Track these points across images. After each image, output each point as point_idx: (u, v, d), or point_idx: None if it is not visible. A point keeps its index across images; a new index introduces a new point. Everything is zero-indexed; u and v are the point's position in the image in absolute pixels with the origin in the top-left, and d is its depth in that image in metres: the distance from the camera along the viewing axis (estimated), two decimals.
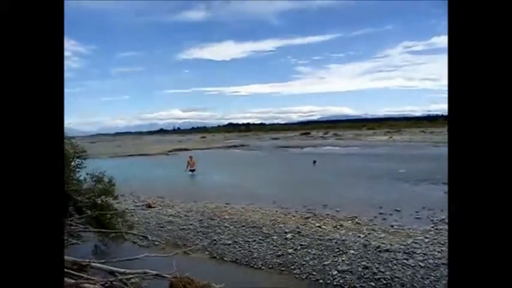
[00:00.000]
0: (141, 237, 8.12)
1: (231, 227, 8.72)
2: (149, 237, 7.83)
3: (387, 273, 5.85)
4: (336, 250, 6.87)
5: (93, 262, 5.60)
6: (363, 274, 5.91)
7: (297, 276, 6.15)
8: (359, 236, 7.52)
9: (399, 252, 6.54)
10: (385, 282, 5.64)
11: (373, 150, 33.38)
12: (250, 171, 20.91)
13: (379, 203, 10.72)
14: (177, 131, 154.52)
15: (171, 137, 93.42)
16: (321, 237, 7.57)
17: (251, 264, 6.73)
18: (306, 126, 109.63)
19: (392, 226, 8.34)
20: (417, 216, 9.30)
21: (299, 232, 8.01)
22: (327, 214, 9.66)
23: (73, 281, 4.79)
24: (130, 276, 5.23)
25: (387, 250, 6.64)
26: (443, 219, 8.76)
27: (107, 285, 4.94)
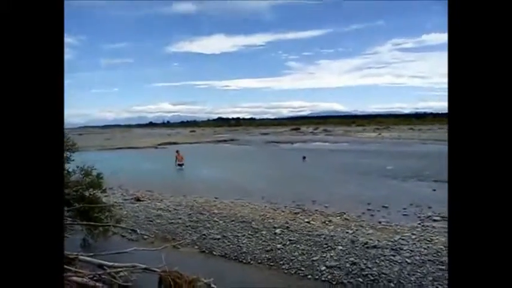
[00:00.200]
0: (129, 231, 8.07)
1: (220, 222, 8.72)
2: (138, 230, 7.78)
3: (374, 269, 5.92)
4: (325, 246, 6.92)
5: (81, 255, 5.55)
6: (350, 270, 5.97)
7: (286, 271, 6.19)
8: (347, 232, 7.59)
9: (386, 248, 6.62)
10: (372, 278, 5.70)
11: (362, 146, 33.62)
12: (239, 166, 20.91)
13: (368, 199, 10.83)
14: (166, 124, 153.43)
15: (160, 131, 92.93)
16: (310, 233, 7.62)
17: (240, 259, 6.75)
18: (296, 122, 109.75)
19: (380, 222, 8.43)
20: (405, 213, 9.42)
21: (288, 227, 8.05)
22: (316, 210, 9.73)
23: None
24: (119, 269, 5.20)
25: (375, 246, 6.71)
26: (430, 216, 8.90)
27: (95, 278, 4.91)
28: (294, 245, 7.08)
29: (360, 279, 5.71)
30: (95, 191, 7.50)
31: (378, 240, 6.99)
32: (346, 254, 6.52)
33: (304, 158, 22.63)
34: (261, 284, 5.89)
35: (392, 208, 9.90)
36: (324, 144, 38.30)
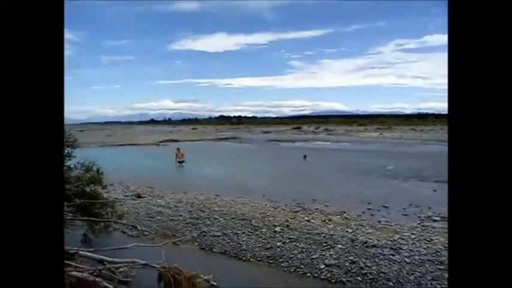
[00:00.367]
0: (130, 227, 8.09)
1: (221, 219, 8.74)
2: (138, 227, 7.80)
3: (373, 268, 5.93)
4: (324, 244, 6.94)
5: (82, 250, 5.58)
6: (350, 269, 5.98)
7: (285, 269, 6.20)
8: (347, 231, 7.60)
9: (386, 247, 6.63)
10: (371, 277, 5.72)
11: (363, 146, 33.59)
12: (241, 164, 20.93)
13: (368, 199, 10.85)
14: (168, 121, 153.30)
15: (161, 128, 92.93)
16: (310, 231, 7.64)
17: (240, 256, 6.77)
18: (297, 121, 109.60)
19: (379, 222, 8.44)
20: (404, 213, 9.43)
21: (288, 226, 8.07)
22: (316, 208, 9.74)
23: None
24: (119, 265, 5.23)
25: (374, 245, 6.73)
26: (429, 216, 8.90)
27: (95, 273, 4.93)
28: (293, 243, 7.10)
29: (359, 278, 5.72)
30: (95, 187, 7.52)
31: (378, 240, 7.00)
32: (346, 252, 6.54)
33: (305, 157, 22.62)
34: (260, 281, 5.92)
35: (393, 208, 9.90)
36: (325, 144, 38.25)
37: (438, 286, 5.33)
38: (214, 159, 23.90)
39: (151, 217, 9.19)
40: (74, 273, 4.78)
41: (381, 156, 23.50)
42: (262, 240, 7.32)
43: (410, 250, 6.49)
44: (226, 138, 47.70)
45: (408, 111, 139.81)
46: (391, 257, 6.26)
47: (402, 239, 7.06)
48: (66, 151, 7.30)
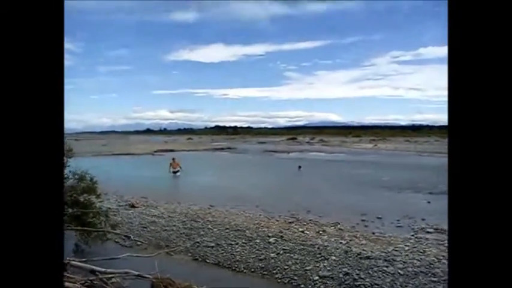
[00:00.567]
0: (123, 237, 8.04)
1: (215, 230, 8.71)
2: (132, 237, 7.76)
3: (367, 279, 5.93)
4: (318, 256, 6.93)
5: (74, 261, 5.53)
6: (343, 280, 5.97)
7: (279, 280, 6.18)
8: (341, 243, 7.60)
9: (380, 259, 6.63)
10: None
11: (358, 157, 33.72)
12: (236, 175, 20.91)
13: (362, 210, 10.86)
14: (163, 131, 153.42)
15: (157, 137, 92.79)
16: (304, 243, 7.63)
17: (233, 267, 6.73)
18: (292, 131, 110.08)
19: (373, 233, 8.45)
20: (398, 225, 9.45)
21: (282, 237, 8.05)
22: (310, 220, 9.73)
23: None
24: (112, 275, 5.19)
25: (368, 257, 6.73)
26: (423, 227, 8.93)
27: (87, 284, 4.89)
28: (287, 254, 7.08)
29: None
30: (89, 197, 7.49)
31: (371, 251, 7.00)
32: (340, 264, 6.53)
33: (299, 167, 22.68)
34: None
35: (387, 219, 9.92)
36: (320, 154, 38.36)
37: None
38: (209, 169, 23.86)
39: (145, 227, 9.13)
40: (66, 283, 4.74)
41: (375, 167, 23.59)
42: (256, 251, 7.29)
43: (404, 262, 6.50)
44: (222, 149, 47.73)
45: (403, 123, 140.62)
46: (385, 268, 6.26)
47: (396, 250, 7.07)
48: None
